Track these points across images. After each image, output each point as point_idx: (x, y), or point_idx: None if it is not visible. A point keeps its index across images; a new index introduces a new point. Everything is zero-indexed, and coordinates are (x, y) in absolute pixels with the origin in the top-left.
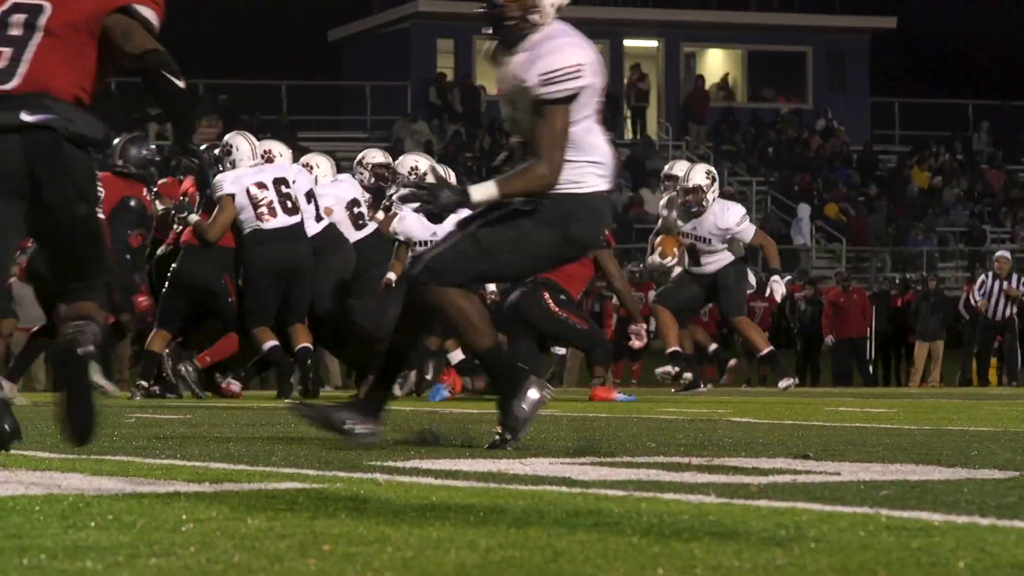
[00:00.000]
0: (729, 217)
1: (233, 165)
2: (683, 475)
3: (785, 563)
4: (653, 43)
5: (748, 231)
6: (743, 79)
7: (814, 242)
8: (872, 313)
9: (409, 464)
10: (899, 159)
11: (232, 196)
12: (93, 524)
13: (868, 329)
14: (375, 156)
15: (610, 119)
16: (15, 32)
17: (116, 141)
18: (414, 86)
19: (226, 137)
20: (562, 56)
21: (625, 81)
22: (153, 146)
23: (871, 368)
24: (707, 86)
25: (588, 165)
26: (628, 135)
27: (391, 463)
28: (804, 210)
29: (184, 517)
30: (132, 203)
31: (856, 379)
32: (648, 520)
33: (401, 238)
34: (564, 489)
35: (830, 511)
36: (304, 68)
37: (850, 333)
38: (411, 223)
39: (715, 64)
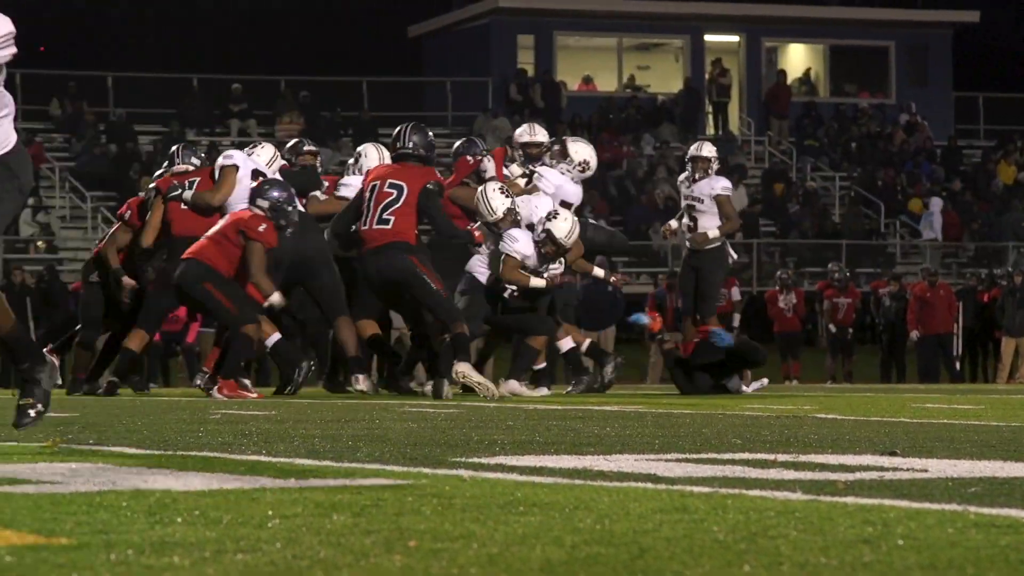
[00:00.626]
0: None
1: (360, 171)
2: (769, 472)
3: (872, 560)
4: (734, 38)
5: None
6: (825, 74)
7: (898, 237)
8: (959, 309)
9: (494, 460)
10: (983, 154)
11: (236, 168)
12: (180, 520)
13: (955, 325)
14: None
15: (692, 114)
16: None
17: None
18: (495, 82)
19: (360, 147)
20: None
21: (706, 76)
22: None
23: (958, 364)
24: (789, 81)
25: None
26: (709, 130)
27: (476, 459)
28: (936, 204)
29: (270, 513)
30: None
31: (942, 376)
32: (734, 517)
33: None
34: (649, 485)
35: (918, 508)
36: (385, 64)
37: (936, 329)
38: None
39: (797, 59)
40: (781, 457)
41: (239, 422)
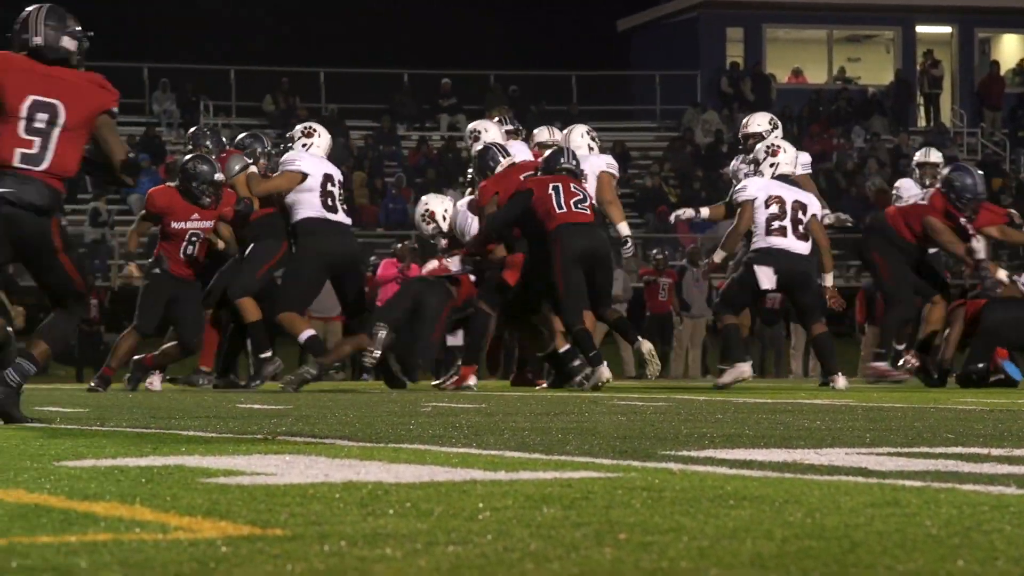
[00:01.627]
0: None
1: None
2: (982, 466)
3: None
4: (947, 29)
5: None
6: None
7: None
8: None
9: (704, 454)
10: None
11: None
12: (392, 512)
13: None
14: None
15: (903, 106)
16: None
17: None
18: (703, 75)
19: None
20: None
21: (918, 68)
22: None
23: None
24: (1002, 71)
25: None
26: (921, 122)
27: (686, 452)
28: None
29: (481, 505)
30: None
31: None
32: (947, 511)
33: None
34: (860, 479)
35: None
36: (593, 58)
37: None
38: None
39: (1010, 49)
40: (995, 451)
41: (450, 415)
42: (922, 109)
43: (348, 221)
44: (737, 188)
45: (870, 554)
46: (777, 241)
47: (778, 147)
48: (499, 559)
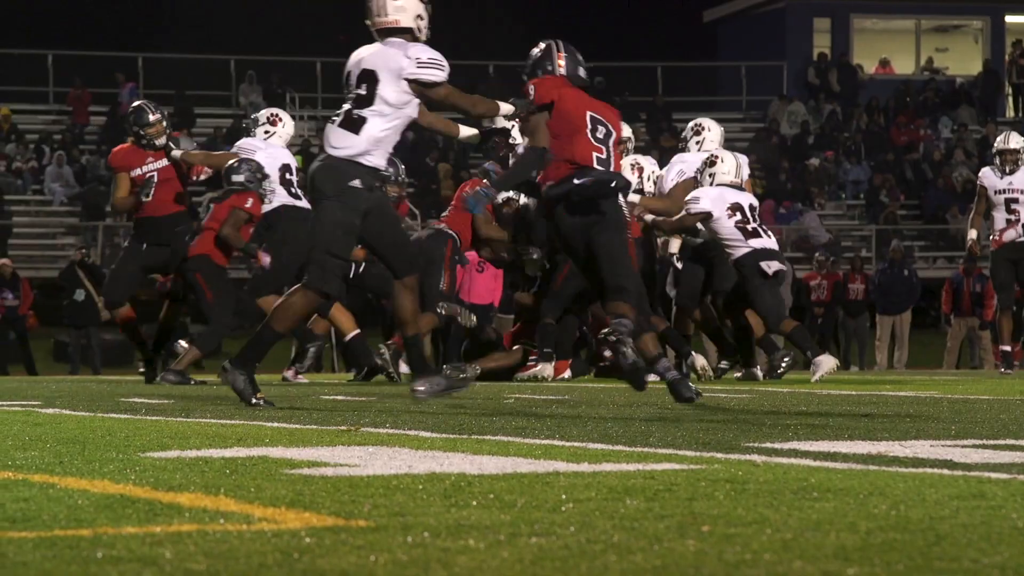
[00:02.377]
0: None
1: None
2: None
3: None
4: None
5: None
6: None
7: None
8: None
9: (787, 446)
10: None
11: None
12: (475, 503)
13: None
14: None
15: (991, 97)
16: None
17: None
18: (790, 66)
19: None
20: None
21: (1006, 58)
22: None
23: None
24: None
25: None
26: (1009, 112)
27: (769, 444)
28: None
29: (564, 497)
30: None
31: None
32: None
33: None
34: (945, 472)
35: None
36: (679, 49)
37: None
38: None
39: None
40: None
41: (533, 406)
42: (1010, 99)
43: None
44: (689, 198)
45: (955, 547)
46: (758, 243)
47: (716, 156)
48: (582, 551)
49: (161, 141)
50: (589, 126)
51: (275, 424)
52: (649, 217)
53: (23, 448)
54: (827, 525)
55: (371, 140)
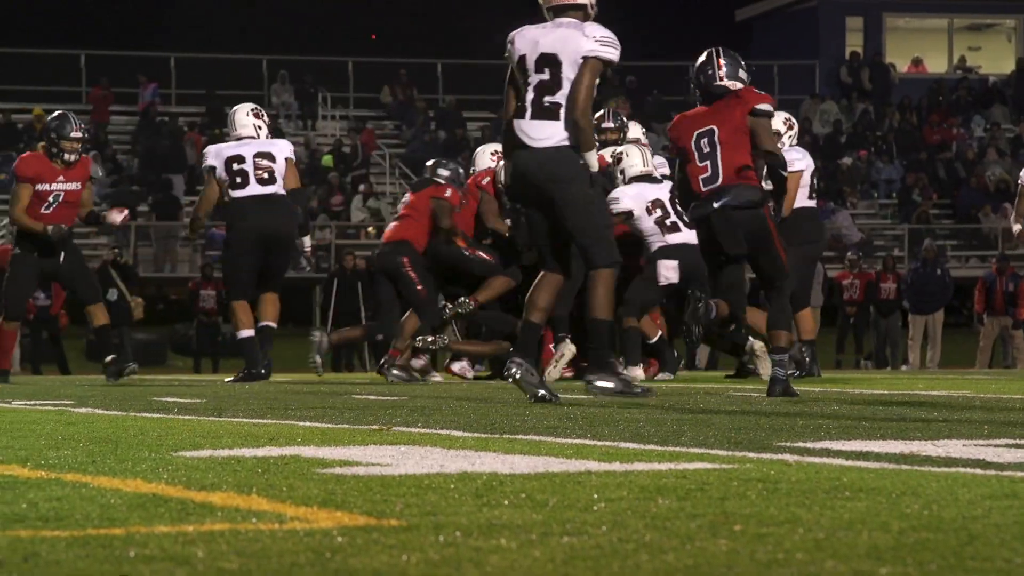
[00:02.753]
0: None
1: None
2: None
3: None
4: None
5: None
6: None
7: None
8: None
9: (819, 445)
10: None
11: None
12: (507, 502)
13: None
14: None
15: None
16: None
17: None
18: (822, 65)
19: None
20: None
21: None
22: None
23: None
24: None
25: None
26: None
27: (801, 444)
28: None
29: (595, 496)
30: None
31: None
32: None
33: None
34: (978, 471)
35: None
36: (711, 48)
37: None
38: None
39: None
40: None
41: (564, 405)
42: None
43: (268, 191)
44: (610, 199)
45: (988, 546)
46: (675, 237)
47: (622, 152)
48: (614, 550)
49: (72, 159)
50: (695, 152)
51: (307, 423)
52: None
53: (56, 447)
54: (859, 525)
55: (570, 124)
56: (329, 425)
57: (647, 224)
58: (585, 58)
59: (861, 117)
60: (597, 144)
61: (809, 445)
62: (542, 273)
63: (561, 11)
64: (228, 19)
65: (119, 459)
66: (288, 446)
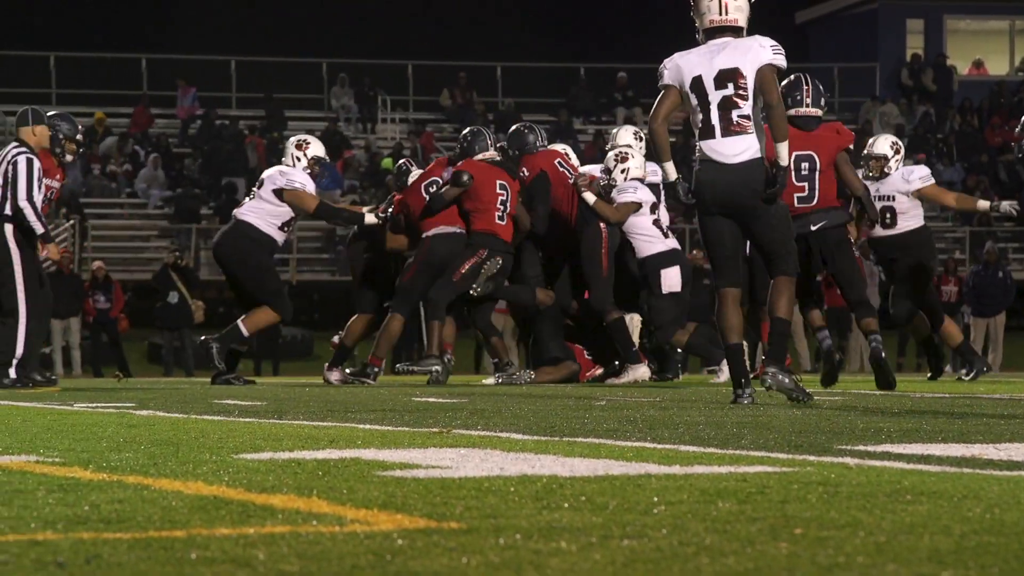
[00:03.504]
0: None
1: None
2: None
3: None
4: None
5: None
6: None
7: None
8: None
9: (880, 448)
10: None
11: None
12: (567, 505)
13: None
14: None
15: None
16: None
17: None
18: (883, 67)
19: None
20: None
21: None
22: None
23: None
24: None
25: None
26: None
27: (862, 447)
28: None
29: (655, 499)
30: None
31: None
32: None
33: None
34: None
35: None
36: None
37: None
38: None
39: None
40: None
41: (624, 408)
42: None
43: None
44: (626, 187)
45: None
46: (671, 243)
47: (627, 153)
48: (674, 553)
49: (69, 159)
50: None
51: (367, 426)
52: (591, 199)
53: (117, 449)
54: (921, 528)
55: (762, 134)
56: (389, 428)
57: (645, 223)
58: (766, 66)
59: (922, 119)
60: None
61: (870, 448)
62: (723, 292)
63: (720, 32)
64: (288, 22)
65: (180, 461)
66: (348, 448)
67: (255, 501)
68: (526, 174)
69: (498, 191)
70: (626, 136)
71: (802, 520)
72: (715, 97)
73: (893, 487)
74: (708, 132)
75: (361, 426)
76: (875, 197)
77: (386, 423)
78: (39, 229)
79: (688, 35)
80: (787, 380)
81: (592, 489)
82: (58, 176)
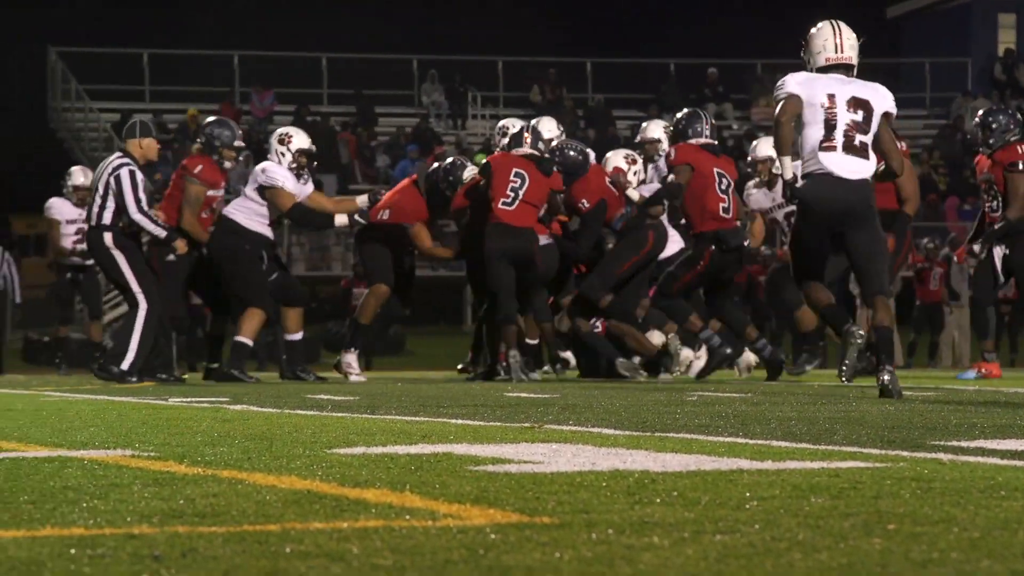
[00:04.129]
0: None
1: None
2: None
3: None
4: None
5: None
6: None
7: None
8: None
9: (974, 444)
10: None
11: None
12: (659, 500)
13: None
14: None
15: None
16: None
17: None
18: (975, 62)
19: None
20: None
21: None
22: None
23: None
24: None
25: None
26: None
27: (955, 443)
28: None
29: (748, 495)
30: None
31: None
32: None
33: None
34: None
35: None
36: (862, 46)
37: None
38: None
39: None
40: None
41: (715, 403)
42: None
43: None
44: (650, 185)
45: None
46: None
47: (636, 156)
48: (766, 548)
49: (228, 166)
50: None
51: (459, 421)
52: (636, 195)
53: (212, 444)
54: (1015, 524)
55: (877, 164)
56: (481, 423)
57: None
58: (887, 113)
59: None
60: None
61: (963, 444)
62: (811, 284)
63: (835, 69)
64: (378, 19)
65: (274, 456)
66: (441, 443)
67: (348, 495)
68: (586, 205)
69: (511, 178)
70: (656, 130)
71: (895, 516)
72: (845, 117)
73: (987, 483)
74: (830, 146)
75: (453, 421)
76: (776, 205)
77: (478, 418)
78: (161, 234)
79: (774, 30)
80: (896, 384)
81: (684, 484)
82: (223, 183)
